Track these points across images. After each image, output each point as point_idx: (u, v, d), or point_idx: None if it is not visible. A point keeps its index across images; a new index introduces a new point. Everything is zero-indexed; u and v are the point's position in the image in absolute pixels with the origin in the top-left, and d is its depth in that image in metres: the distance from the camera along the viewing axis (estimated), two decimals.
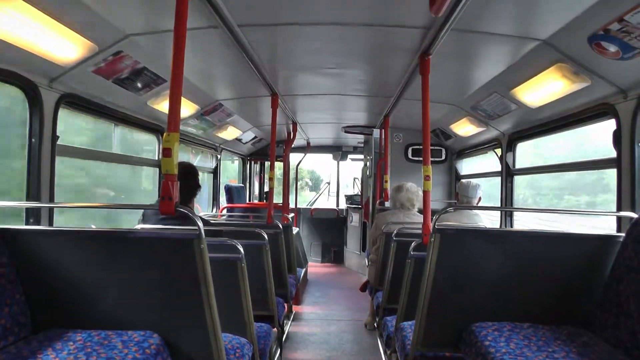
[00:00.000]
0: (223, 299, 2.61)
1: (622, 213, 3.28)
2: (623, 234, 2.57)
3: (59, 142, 3.54)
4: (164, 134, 2.28)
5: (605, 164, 3.74)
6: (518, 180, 5.71)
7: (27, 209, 3.37)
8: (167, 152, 2.24)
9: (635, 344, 2.23)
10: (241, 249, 3.10)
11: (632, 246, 2.41)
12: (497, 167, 5.86)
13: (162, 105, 4.72)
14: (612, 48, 2.89)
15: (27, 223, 3.34)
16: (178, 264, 2.36)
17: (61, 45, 3.08)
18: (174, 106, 2.30)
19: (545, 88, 3.87)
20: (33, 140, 3.35)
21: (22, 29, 2.72)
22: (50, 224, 3.51)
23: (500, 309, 2.84)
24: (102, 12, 2.97)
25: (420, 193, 5.15)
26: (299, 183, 11.74)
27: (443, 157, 8.04)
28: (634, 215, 2.54)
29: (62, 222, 4.10)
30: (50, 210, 3.52)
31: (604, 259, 2.76)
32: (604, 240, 2.81)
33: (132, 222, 4.51)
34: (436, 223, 2.80)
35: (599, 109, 3.64)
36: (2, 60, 2.95)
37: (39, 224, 3.36)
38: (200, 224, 2.25)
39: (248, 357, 3.07)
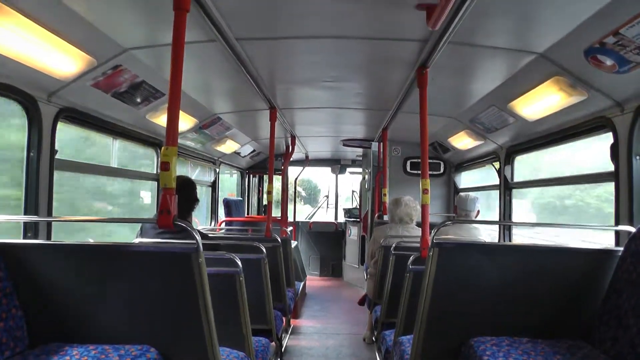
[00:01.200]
0: (221, 312, 2.59)
1: (621, 227, 3.28)
2: (621, 248, 2.57)
3: (57, 156, 3.54)
4: (162, 148, 2.28)
5: (603, 177, 3.75)
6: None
7: (25, 223, 3.37)
8: (165, 166, 2.24)
9: (635, 357, 2.22)
10: (239, 263, 3.10)
11: (630, 260, 2.41)
12: (496, 180, 5.86)
13: (161, 119, 4.72)
14: (609, 61, 2.91)
15: (24, 237, 3.33)
16: (176, 278, 2.35)
17: (60, 59, 3.09)
18: (172, 120, 2.31)
19: (543, 101, 3.89)
20: (32, 154, 3.35)
21: (21, 43, 2.73)
22: (49, 237, 3.50)
23: (499, 323, 2.82)
24: (101, 27, 2.98)
25: (419, 207, 5.14)
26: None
27: (441, 171, 8.05)
28: (632, 229, 2.54)
29: (62, 236, 4.08)
30: (49, 224, 3.51)
31: (602, 273, 2.75)
32: (603, 254, 2.80)
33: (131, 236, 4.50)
34: (435, 237, 2.79)
35: (596, 122, 3.66)
36: (1, 74, 2.96)
37: (37, 238, 3.35)
38: (198, 237, 2.25)
39: None
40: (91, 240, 4.12)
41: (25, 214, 3.34)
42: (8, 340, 2.28)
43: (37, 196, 3.35)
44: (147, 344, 2.38)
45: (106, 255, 2.43)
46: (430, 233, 3.33)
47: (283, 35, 3.37)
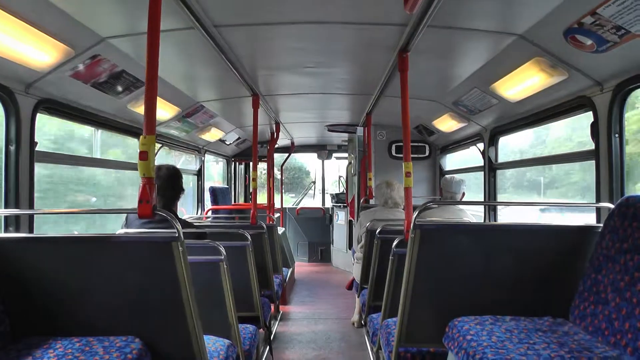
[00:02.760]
0: (206, 301, 2.60)
1: (601, 204, 3.32)
2: (602, 225, 2.60)
3: (37, 148, 3.50)
4: (140, 137, 2.27)
5: (584, 156, 3.78)
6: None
7: (6, 217, 3.33)
8: (143, 155, 2.23)
9: (612, 330, 2.26)
10: (223, 251, 3.10)
11: (609, 236, 2.44)
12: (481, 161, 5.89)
13: (143, 109, 4.67)
14: (587, 41, 2.92)
15: (5, 231, 3.30)
16: (158, 267, 2.35)
17: (37, 50, 3.05)
18: (150, 108, 2.30)
19: (524, 82, 3.91)
20: (10, 147, 3.31)
21: None
22: (31, 231, 3.47)
23: (482, 302, 2.85)
24: (77, 16, 2.94)
25: None
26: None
27: (427, 154, 8.07)
28: (612, 206, 2.57)
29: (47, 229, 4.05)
30: (30, 217, 3.48)
31: (583, 250, 2.79)
32: (583, 231, 2.84)
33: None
34: (417, 219, 2.81)
35: (576, 101, 3.68)
36: None
37: (18, 232, 3.33)
38: (178, 226, 2.25)
39: (232, 359, 3.06)
40: (76, 232, 4.10)
41: (5, 207, 3.31)
42: None
43: (17, 189, 3.32)
44: (131, 334, 2.38)
45: (88, 246, 2.42)
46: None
47: (263, 21, 3.35)
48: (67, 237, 2.48)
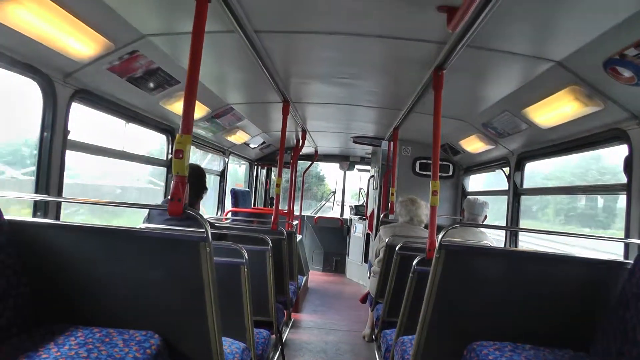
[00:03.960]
0: (224, 302, 2.61)
1: (631, 240, 3.27)
2: (630, 261, 2.56)
3: (69, 137, 3.56)
4: (177, 136, 2.29)
5: (616, 188, 3.73)
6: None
7: (35, 202, 3.39)
8: (178, 154, 2.25)
9: None
10: (245, 254, 3.10)
11: None
12: (505, 185, 5.84)
13: (174, 106, 4.73)
14: (627, 73, 2.88)
15: (34, 216, 3.35)
16: (184, 266, 2.36)
17: (78, 41, 3.11)
18: (188, 109, 2.32)
19: (557, 109, 3.86)
20: (45, 133, 3.37)
21: (40, 24, 2.74)
22: (58, 217, 3.52)
23: (502, 328, 2.82)
24: (121, 11, 2.99)
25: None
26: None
27: (450, 173, 8.02)
28: None
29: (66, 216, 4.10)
30: (58, 204, 3.53)
31: (608, 284, 2.74)
32: (610, 265, 2.79)
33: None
34: (442, 239, 2.79)
35: (611, 133, 3.63)
36: (20, 53, 2.98)
37: (46, 217, 3.37)
38: (207, 227, 2.25)
39: None
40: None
41: (36, 192, 3.36)
42: (15, 318, 2.29)
43: (48, 176, 3.38)
44: (151, 329, 2.40)
45: (115, 238, 2.44)
46: (437, 235, 3.32)
47: (301, 30, 3.37)
48: (94, 227, 2.51)
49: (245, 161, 10.11)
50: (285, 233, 5.01)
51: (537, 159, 5.33)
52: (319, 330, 6.49)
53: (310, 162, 10.80)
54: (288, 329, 6.25)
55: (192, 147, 6.53)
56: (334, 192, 12.81)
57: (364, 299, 6.26)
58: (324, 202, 13.01)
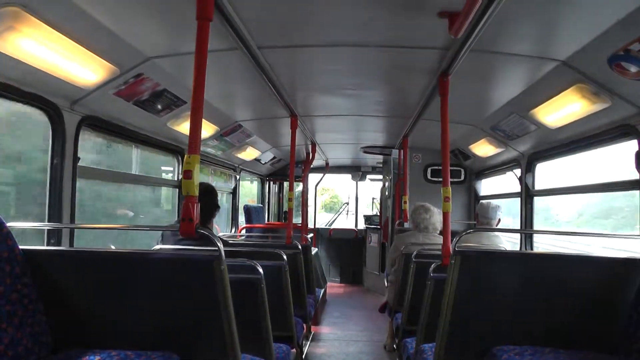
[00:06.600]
0: (242, 319, 2.60)
1: None
2: None
3: (79, 163, 3.59)
4: (185, 156, 2.30)
5: (628, 185, 3.69)
6: None
7: (49, 230, 3.41)
8: (187, 174, 2.26)
9: None
10: (260, 270, 3.10)
11: None
12: (518, 187, 5.80)
13: (182, 127, 4.76)
14: (633, 68, 2.86)
15: (48, 244, 3.37)
16: (198, 285, 2.36)
17: (84, 68, 3.14)
18: (195, 129, 2.33)
19: (565, 109, 3.84)
20: (55, 161, 3.40)
21: (45, 53, 2.77)
22: (71, 244, 3.54)
23: (521, 332, 2.79)
24: (124, 36, 3.02)
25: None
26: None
27: (462, 178, 7.98)
28: None
29: (83, 243, 4.13)
30: (71, 231, 3.56)
31: (628, 283, 2.70)
32: (628, 263, 2.75)
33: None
34: (457, 245, 2.77)
35: (620, 129, 3.60)
36: (26, 83, 3.02)
37: (59, 245, 3.40)
38: (220, 245, 2.25)
39: None
40: (113, 247, 4.16)
41: (48, 220, 3.39)
42: (33, 346, 2.30)
43: (60, 203, 3.40)
44: (169, 350, 2.39)
45: (128, 261, 2.45)
46: (451, 241, 3.30)
47: (304, 43, 3.38)
48: (107, 251, 2.53)
49: (257, 177, 10.14)
50: (300, 247, 5.00)
51: (547, 160, 5.29)
52: (340, 342, 6.45)
53: (322, 175, 10.80)
54: (308, 343, 6.22)
55: (203, 167, 6.59)
56: (347, 203, 12.79)
57: (382, 309, 6.21)
58: (337, 214, 12.97)
